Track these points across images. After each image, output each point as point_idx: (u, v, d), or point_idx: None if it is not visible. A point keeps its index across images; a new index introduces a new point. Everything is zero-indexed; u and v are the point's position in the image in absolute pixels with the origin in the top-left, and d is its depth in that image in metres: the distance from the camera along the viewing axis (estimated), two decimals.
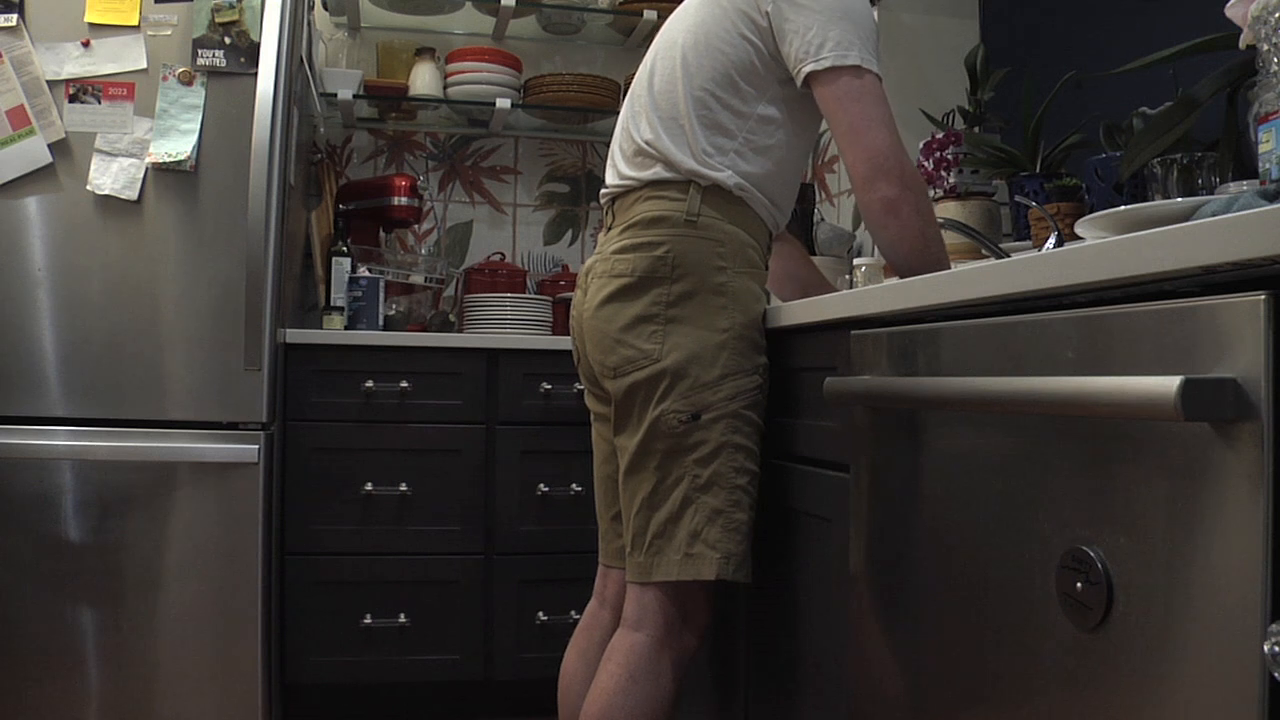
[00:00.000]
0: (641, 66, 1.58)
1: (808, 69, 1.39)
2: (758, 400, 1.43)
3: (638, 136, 1.50)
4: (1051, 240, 1.68)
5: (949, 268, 1.47)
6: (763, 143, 1.46)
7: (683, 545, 1.38)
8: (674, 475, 1.39)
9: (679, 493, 1.39)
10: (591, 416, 1.63)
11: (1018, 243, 1.92)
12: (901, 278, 1.49)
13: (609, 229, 1.53)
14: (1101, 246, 0.80)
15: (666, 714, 1.41)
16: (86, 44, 2.14)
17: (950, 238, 1.95)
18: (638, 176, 1.48)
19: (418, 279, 2.88)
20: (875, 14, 2.49)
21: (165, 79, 2.14)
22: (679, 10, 1.57)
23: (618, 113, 1.69)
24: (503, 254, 3.05)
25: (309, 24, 2.50)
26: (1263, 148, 1.10)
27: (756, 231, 1.48)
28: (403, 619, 2.37)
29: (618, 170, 1.54)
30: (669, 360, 1.39)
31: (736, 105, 1.45)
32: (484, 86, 2.85)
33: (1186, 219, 0.83)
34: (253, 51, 2.15)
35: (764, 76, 1.45)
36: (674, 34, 1.53)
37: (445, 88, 2.87)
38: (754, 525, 1.42)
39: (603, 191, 1.58)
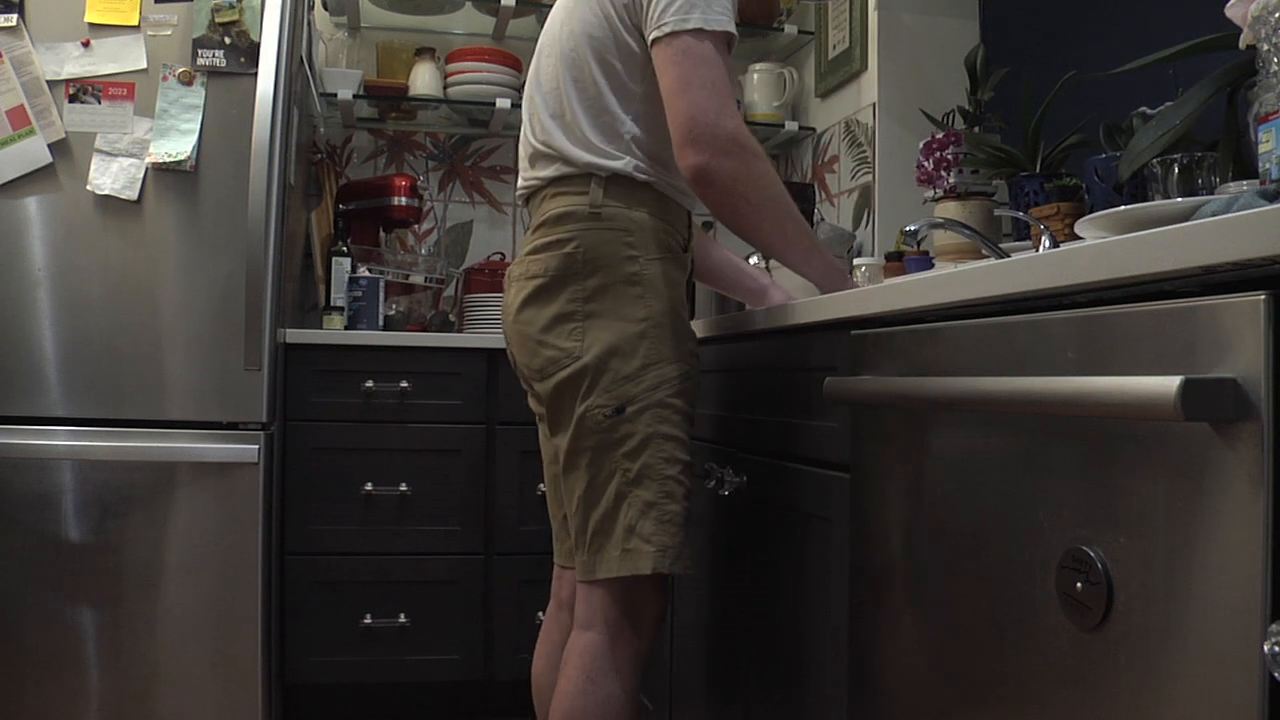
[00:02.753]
0: (530, 68, 1.56)
1: (651, 37, 1.36)
2: (684, 388, 1.41)
3: (534, 139, 1.49)
4: (1045, 243, 1.68)
5: (807, 230, 1.44)
6: (652, 123, 1.42)
7: (620, 541, 1.37)
8: (605, 471, 1.38)
9: (611, 488, 1.38)
10: (536, 419, 1.63)
11: (1018, 243, 1.92)
12: (755, 246, 1.48)
13: (527, 229, 1.52)
14: (1101, 246, 0.80)
15: (630, 710, 1.40)
16: (86, 44, 2.13)
17: (950, 238, 1.95)
18: (541, 176, 1.47)
19: (418, 279, 2.88)
20: (874, 4, 2.49)
21: (165, 79, 2.14)
22: (555, 7, 1.55)
23: None
24: (503, 254, 3.05)
25: (309, 24, 2.50)
26: (1263, 148, 1.09)
27: (668, 214, 1.45)
28: (403, 619, 2.37)
29: (525, 171, 1.53)
30: (589, 356, 1.37)
31: (619, 88, 1.42)
32: (484, 86, 2.84)
33: (1186, 219, 0.83)
34: (253, 51, 2.14)
35: (637, 54, 1.41)
36: (552, 29, 1.51)
37: (445, 88, 2.87)
38: (690, 514, 1.41)
39: (516, 193, 1.57)
